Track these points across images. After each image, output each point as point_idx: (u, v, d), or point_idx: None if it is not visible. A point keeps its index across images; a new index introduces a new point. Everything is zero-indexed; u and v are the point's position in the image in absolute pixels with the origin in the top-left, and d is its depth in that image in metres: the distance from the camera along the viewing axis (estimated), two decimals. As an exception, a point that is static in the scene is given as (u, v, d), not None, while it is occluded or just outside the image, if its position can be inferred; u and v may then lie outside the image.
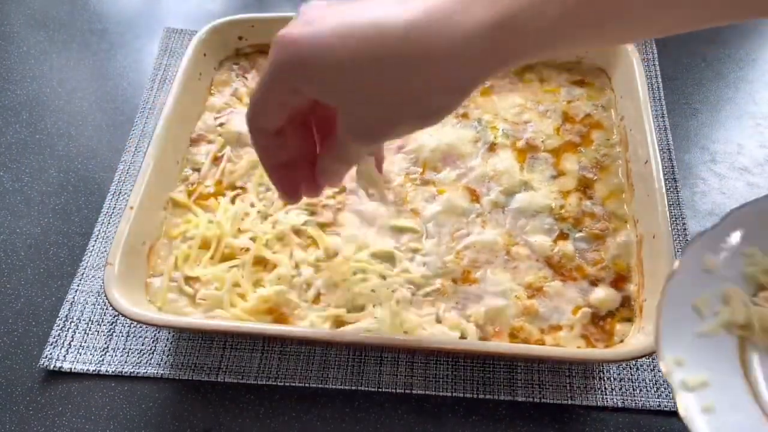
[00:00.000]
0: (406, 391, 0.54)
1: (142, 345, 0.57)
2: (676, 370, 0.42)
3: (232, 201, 0.60)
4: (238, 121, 0.66)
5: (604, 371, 0.55)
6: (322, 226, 0.59)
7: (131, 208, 0.55)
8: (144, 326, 0.58)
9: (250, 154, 0.63)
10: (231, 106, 0.68)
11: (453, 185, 0.61)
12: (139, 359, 0.56)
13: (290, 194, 0.47)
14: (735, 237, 0.47)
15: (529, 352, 0.50)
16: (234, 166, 0.63)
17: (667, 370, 0.42)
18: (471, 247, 0.57)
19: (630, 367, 0.55)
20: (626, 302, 0.54)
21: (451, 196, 0.60)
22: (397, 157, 0.63)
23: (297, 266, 0.56)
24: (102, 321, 0.59)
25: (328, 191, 0.61)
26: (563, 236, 0.58)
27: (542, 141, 0.64)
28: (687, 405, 0.41)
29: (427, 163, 0.63)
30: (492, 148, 0.64)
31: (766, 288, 0.46)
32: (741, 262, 0.46)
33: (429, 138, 0.64)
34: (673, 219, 0.63)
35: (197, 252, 0.57)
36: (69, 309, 0.59)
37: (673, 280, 0.45)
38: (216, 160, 0.64)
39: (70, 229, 0.65)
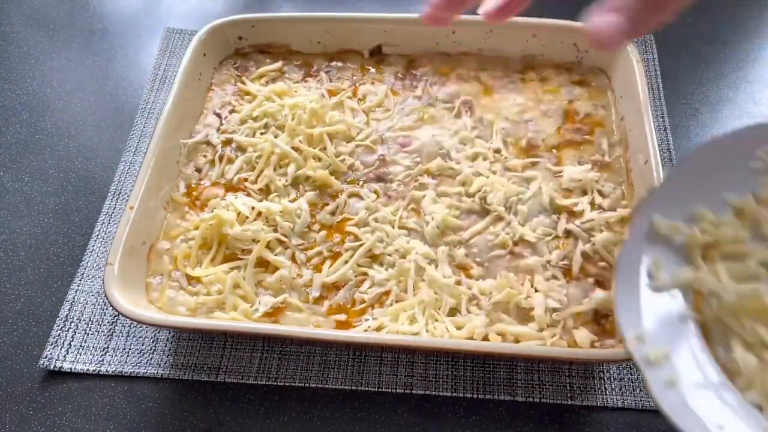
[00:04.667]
0: (406, 391, 0.54)
1: (142, 345, 0.57)
2: (638, 346, 0.42)
3: (233, 201, 0.60)
4: (237, 121, 0.66)
5: (604, 371, 0.55)
6: (324, 226, 0.59)
7: (131, 208, 0.55)
8: (144, 326, 0.58)
9: (249, 155, 0.63)
10: (231, 105, 0.68)
11: (455, 184, 0.61)
12: (139, 359, 0.56)
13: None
14: (679, 191, 0.46)
15: (529, 352, 0.50)
16: (234, 165, 0.63)
17: (630, 349, 0.42)
18: (473, 246, 0.57)
19: (630, 367, 0.55)
20: (626, 302, 0.54)
21: (453, 195, 0.60)
22: (399, 156, 0.63)
23: (298, 268, 0.56)
24: (102, 321, 0.59)
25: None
26: (565, 236, 0.58)
27: (543, 140, 0.64)
28: (652, 382, 0.41)
29: (429, 162, 0.63)
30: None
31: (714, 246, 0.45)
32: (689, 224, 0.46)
33: (431, 137, 0.64)
34: (674, 219, 0.63)
35: (198, 252, 0.57)
36: (69, 309, 0.59)
37: (624, 249, 0.45)
38: (216, 160, 0.63)
39: (70, 229, 0.65)
